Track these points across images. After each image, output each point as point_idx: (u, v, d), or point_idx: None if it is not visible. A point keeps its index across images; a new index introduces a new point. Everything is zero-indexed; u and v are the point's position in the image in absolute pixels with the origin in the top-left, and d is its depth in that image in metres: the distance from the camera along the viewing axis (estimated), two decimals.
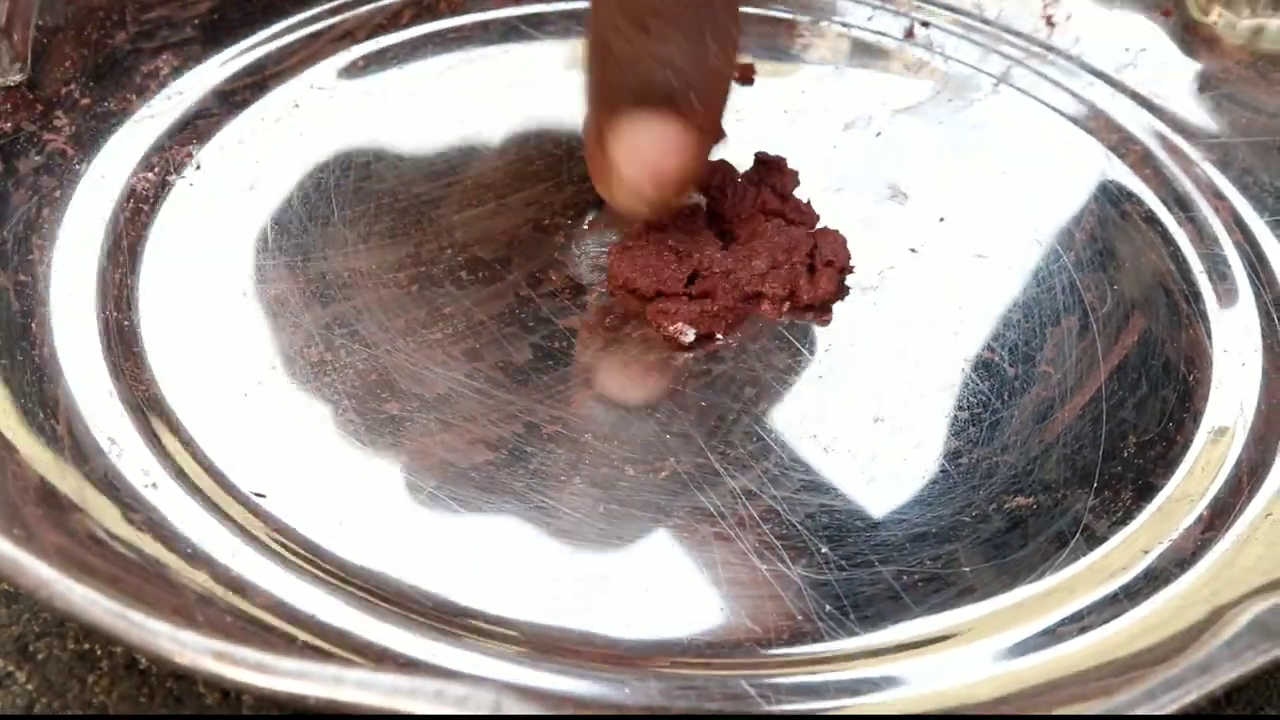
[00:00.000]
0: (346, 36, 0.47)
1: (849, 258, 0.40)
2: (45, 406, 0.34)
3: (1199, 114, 0.46)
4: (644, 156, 0.35)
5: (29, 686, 0.32)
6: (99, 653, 0.32)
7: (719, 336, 0.38)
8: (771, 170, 0.41)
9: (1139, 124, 0.47)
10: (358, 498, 0.33)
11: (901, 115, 0.47)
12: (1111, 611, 0.32)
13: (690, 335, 0.37)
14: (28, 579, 0.25)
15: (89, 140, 0.41)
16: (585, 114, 0.37)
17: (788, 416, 0.36)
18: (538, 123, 0.45)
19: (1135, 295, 0.40)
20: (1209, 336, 0.39)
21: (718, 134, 0.37)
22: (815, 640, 0.31)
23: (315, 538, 0.32)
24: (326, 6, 0.47)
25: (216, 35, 0.45)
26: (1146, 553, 0.33)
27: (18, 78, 0.40)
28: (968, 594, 0.32)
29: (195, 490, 0.33)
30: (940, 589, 0.32)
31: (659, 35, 0.34)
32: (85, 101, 0.42)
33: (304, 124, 0.44)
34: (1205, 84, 0.47)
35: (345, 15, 0.47)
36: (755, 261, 0.38)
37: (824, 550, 0.33)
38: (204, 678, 0.24)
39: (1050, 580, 0.33)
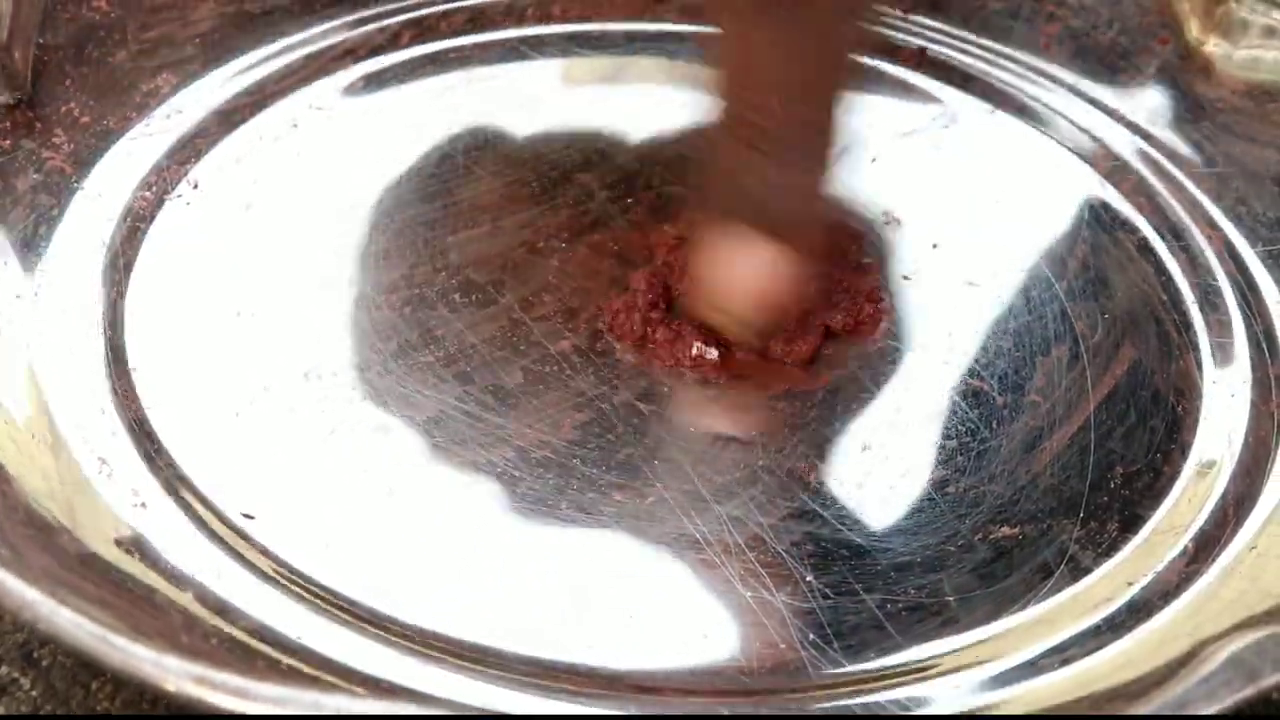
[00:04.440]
0: (346, 56, 0.47)
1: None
2: (36, 426, 0.34)
3: (1194, 143, 0.46)
4: (751, 289, 0.36)
5: (33, 693, 0.32)
6: None
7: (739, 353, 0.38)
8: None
9: (1134, 152, 0.47)
10: (345, 521, 0.33)
11: (897, 141, 0.47)
12: (1094, 644, 0.32)
13: (713, 352, 0.38)
14: (12, 600, 0.25)
15: (87, 158, 0.41)
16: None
17: (775, 444, 0.36)
18: (534, 145, 0.45)
19: (1126, 324, 0.40)
20: (1199, 367, 0.39)
21: (818, 255, 0.37)
22: (798, 669, 0.31)
23: (302, 560, 0.32)
24: (326, 26, 0.48)
25: (216, 54, 0.46)
26: (1131, 585, 0.33)
27: (17, 95, 0.41)
28: (951, 624, 0.32)
29: (184, 511, 0.33)
30: (924, 618, 0.32)
31: (769, 157, 0.34)
32: (84, 120, 0.42)
33: (302, 144, 0.44)
34: (1201, 113, 0.47)
35: (344, 35, 0.48)
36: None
37: (809, 578, 0.33)
38: (186, 703, 0.24)
39: (1034, 611, 0.33)
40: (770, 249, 0.36)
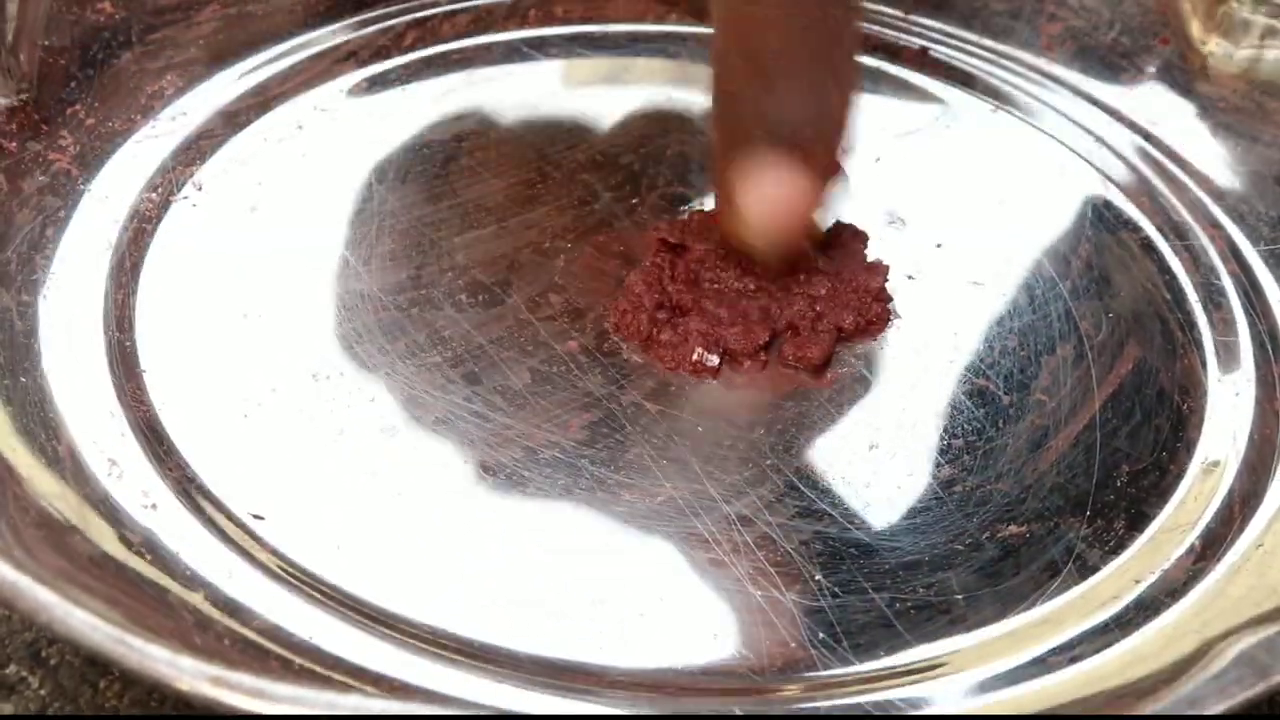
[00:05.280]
0: (349, 58, 0.47)
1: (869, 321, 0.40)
2: (46, 427, 0.34)
3: (1196, 143, 0.47)
4: (769, 200, 0.36)
5: (42, 691, 0.32)
6: None
7: (746, 360, 0.38)
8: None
9: (1136, 152, 0.47)
10: (355, 521, 0.33)
11: (900, 140, 0.47)
12: (1102, 641, 0.32)
13: (714, 359, 0.38)
14: (26, 603, 0.25)
15: (93, 160, 0.42)
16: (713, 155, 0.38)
17: (783, 443, 0.36)
18: (538, 146, 0.45)
19: (1130, 323, 0.41)
20: (1203, 366, 0.40)
21: (836, 173, 0.37)
22: (808, 667, 0.31)
23: (313, 560, 0.32)
24: (330, 29, 0.48)
25: (220, 56, 0.46)
26: (1138, 583, 0.34)
27: (23, 97, 0.41)
28: (960, 622, 0.32)
29: (194, 512, 0.33)
30: (933, 617, 0.33)
31: (781, 81, 0.35)
32: (90, 121, 0.42)
33: (306, 145, 0.44)
34: (1202, 113, 0.47)
35: (348, 37, 0.48)
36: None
37: (818, 577, 0.33)
38: (201, 703, 0.24)
39: (1042, 609, 0.33)
40: (783, 166, 0.36)
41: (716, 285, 0.39)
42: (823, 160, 0.36)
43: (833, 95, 0.36)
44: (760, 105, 0.35)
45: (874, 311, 0.39)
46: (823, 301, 0.39)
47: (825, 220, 0.40)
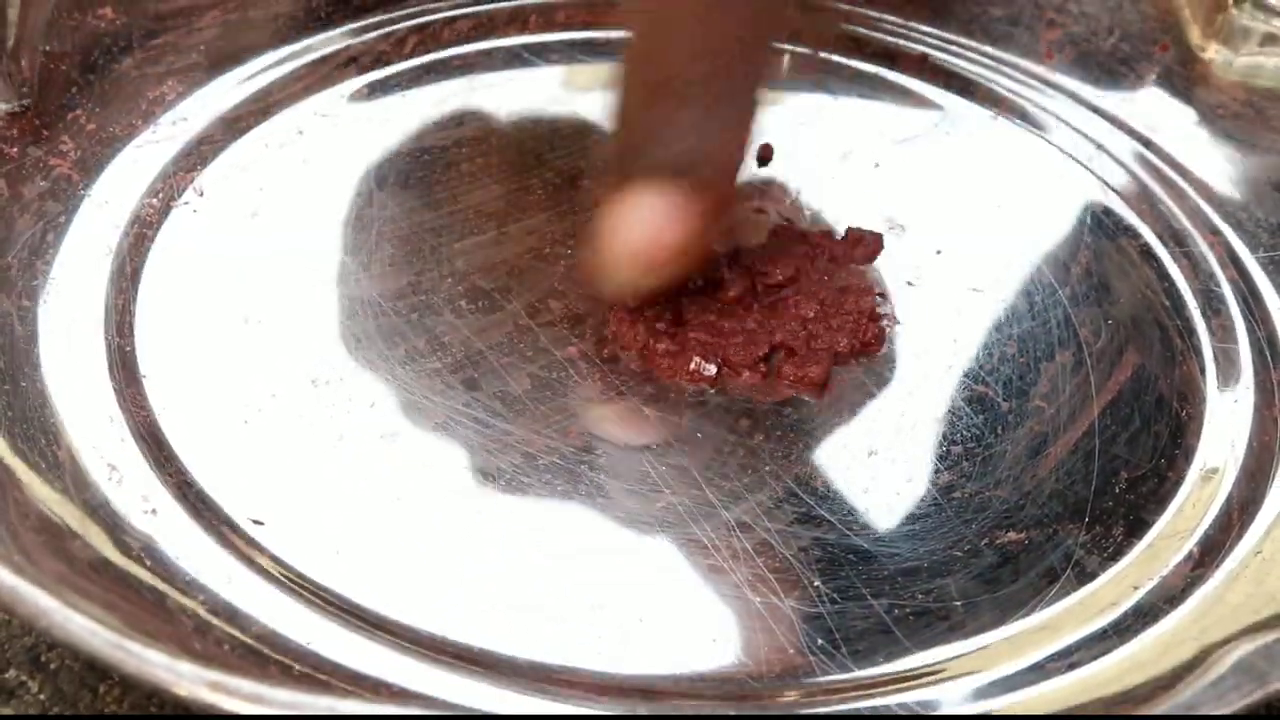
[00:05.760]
0: (350, 64, 0.47)
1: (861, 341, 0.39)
2: (46, 432, 0.34)
3: (1195, 149, 0.47)
4: (630, 235, 0.35)
5: (41, 696, 0.32)
6: None
7: (745, 371, 0.38)
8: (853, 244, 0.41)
9: (1135, 158, 0.47)
10: (355, 527, 0.33)
11: (899, 147, 0.47)
12: (1100, 648, 0.32)
13: (711, 369, 0.38)
14: (26, 608, 0.25)
15: (94, 165, 0.42)
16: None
17: (782, 449, 0.36)
18: (539, 152, 0.45)
19: (1129, 330, 0.41)
20: (1202, 372, 0.40)
21: (728, 209, 0.36)
22: (807, 674, 0.31)
23: (312, 566, 0.32)
24: (330, 34, 0.48)
25: (221, 62, 0.46)
26: (1136, 589, 0.34)
27: (24, 103, 0.41)
28: (958, 629, 0.33)
29: (193, 517, 0.33)
30: (931, 623, 0.33)
31: (676, 102, 0.34)
32: (91, 127, 0.42)
33: (307, 150, 0.44)
34: (1202, 120, 0.47)
35: (349, 43, 0.48)
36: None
37: (816, 583, 0.33)
38: (200, 708, 0.24)
39: (1040, 616, 0.33)
40: (657, 196, 0.34)
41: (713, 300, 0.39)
42: (712, 195, 0.35)
43: (729, 119, 0.35)
44: (651, 123, 0.34)
45: (870, 333, 0.39)
46: (812, 323, 0.39)
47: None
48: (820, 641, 0.32)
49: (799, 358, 0.38)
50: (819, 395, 0.38)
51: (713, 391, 0.37)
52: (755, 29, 0.34)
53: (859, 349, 0.39)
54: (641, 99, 0.35)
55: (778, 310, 0.39)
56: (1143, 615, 0.33)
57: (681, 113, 0.34)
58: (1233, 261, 0.43)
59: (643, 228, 0.35)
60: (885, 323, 0.40)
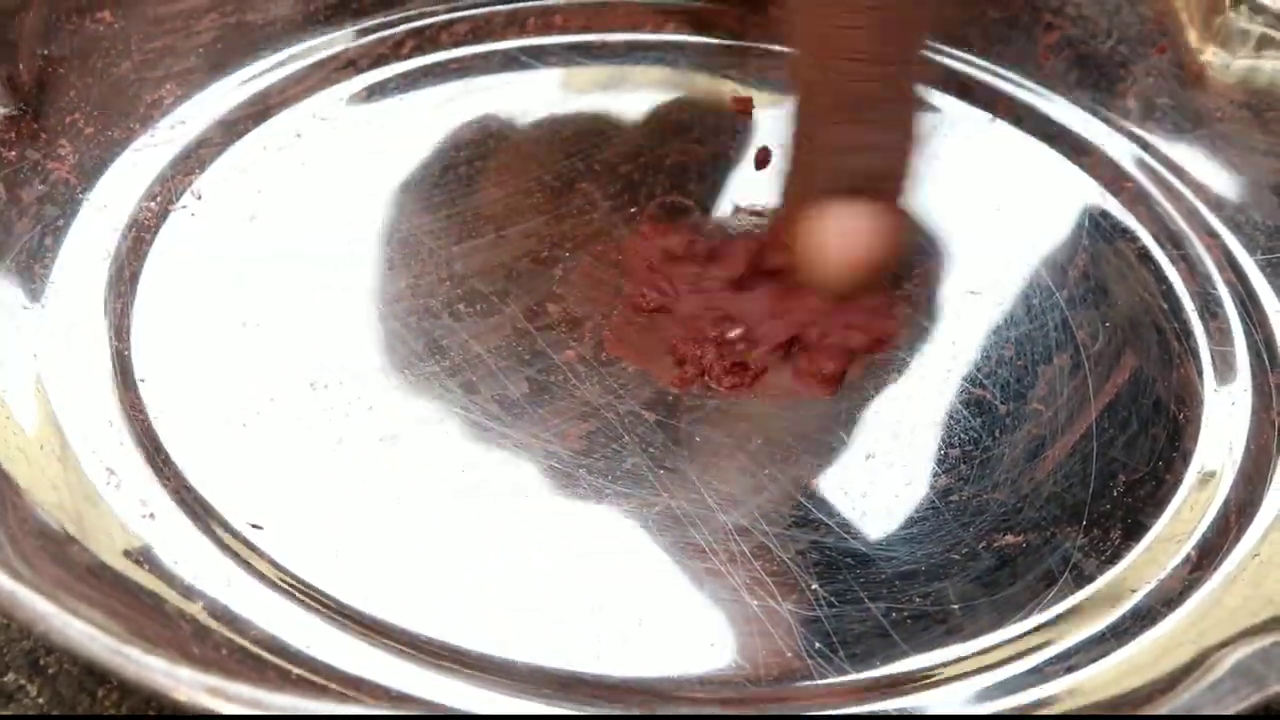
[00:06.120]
0: (349, 66, 0.47)
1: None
2: (44, 437, 0.34)
3: (1193, 152, 0.47)
4: (852, 244, 0.36)
5: (40, 700, 0.32)
6: None
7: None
8: None
9: (1132, 161, 0.47)
10: (353, 530, 0.33)
11: None
12: (1098, 651, 0.32)
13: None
14: (25, 612, 0.25)
15: (92, 169, 0.41)
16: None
17: (780, 452, 0.36)
18: (537, 155, 0.45)
19: (1127, 333, 0.41)
20: (1200, 375, 0.40)
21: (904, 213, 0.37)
22: (804, 677, 0.31)
23: (311, 570, 0.32)
24: (328, 37, 0.48)
25: (219, 65, 0.46)
26: (1134, 592, 0.34)
27: (21, 106, 0.41)
28: (956, 632, 0.33)
29: (192, 521, 0.33)
30: (929, 626, 0.33)
31: (872, 123, 0.35)
32: (89, 130, 0.42)
33: (306, 154, 0.44)
34: (1199, 122, 0.47)
35: (347, 45, 0.48)
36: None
37: (814, 587, 0.33)
38: (198, 712, 0.24)
39: (1038, 619, 0.33)
40: (866, 208, 0.35)
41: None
42: (897, 196, 0.36)
43: (912, 133, 0.36)
44: (845, 144, 0.35)
45: (886, 330, 0.39)
46: (825, 318, 0.39)
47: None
48: (818, 645, 0.32)
49: (812, 352, 0.38)
50: (830, 388, 0.38)
51: (718, 393, 0.37)
52: (920, 37, 0.36)
53: (871, 345, 0.39)
54: (824, 117, 0.35)
55: (789, 299, 0.39)
56: (1140, 618, 0.33)
57: (863, 128, 0.35)
58: (1230, 264, 0.43)
59: (859, 238, 0.35)
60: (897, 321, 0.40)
